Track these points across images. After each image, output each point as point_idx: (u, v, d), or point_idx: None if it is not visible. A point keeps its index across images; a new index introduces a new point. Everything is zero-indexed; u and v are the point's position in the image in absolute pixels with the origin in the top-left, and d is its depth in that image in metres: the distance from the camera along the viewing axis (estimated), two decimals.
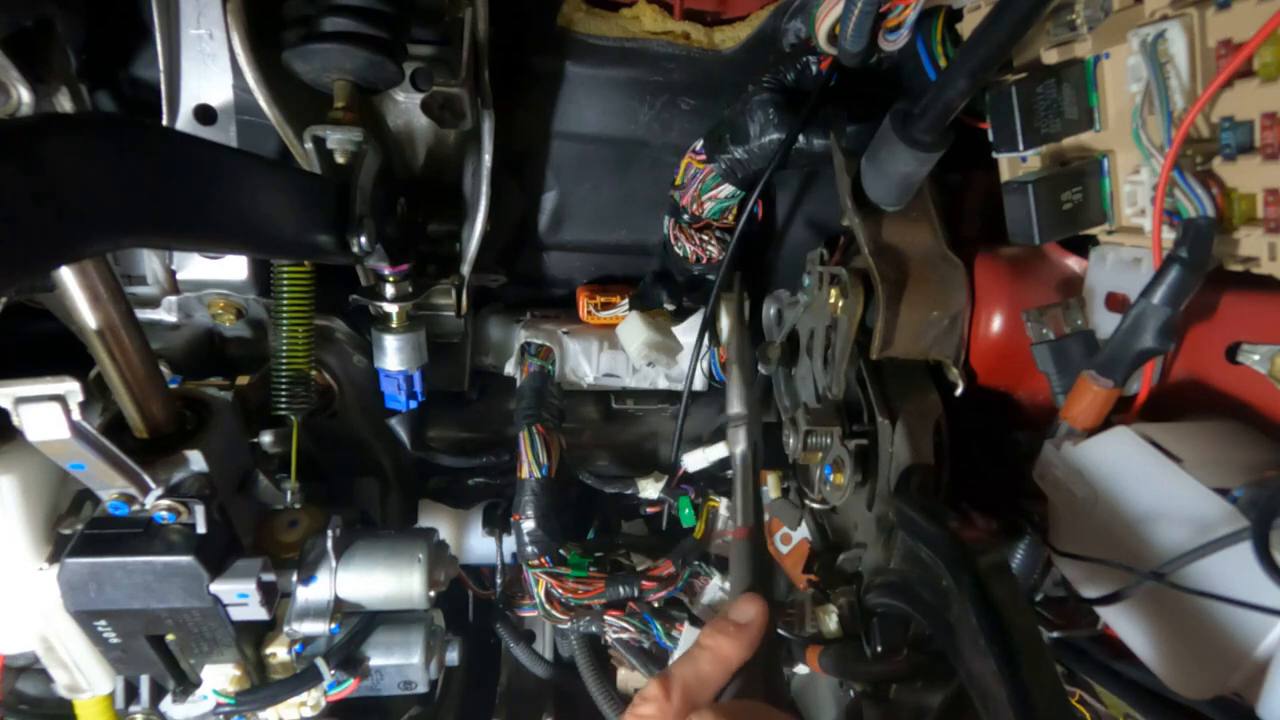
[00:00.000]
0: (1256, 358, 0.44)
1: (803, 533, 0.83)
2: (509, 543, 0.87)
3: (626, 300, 0.88)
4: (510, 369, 0.91)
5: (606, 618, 0.79)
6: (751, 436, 0.55)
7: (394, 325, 0.74)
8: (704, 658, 0.41)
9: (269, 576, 0.59)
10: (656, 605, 0.79)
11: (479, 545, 0.91)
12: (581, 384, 0.91)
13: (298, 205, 0.57)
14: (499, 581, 0.90)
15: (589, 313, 0.89)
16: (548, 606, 0.80)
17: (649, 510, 0.92)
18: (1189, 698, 0.44)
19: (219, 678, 0.63)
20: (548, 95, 0.77)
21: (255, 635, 0.65)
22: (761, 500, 0.53)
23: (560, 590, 0.79)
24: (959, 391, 0.63)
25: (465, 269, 0.77)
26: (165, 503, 0.54)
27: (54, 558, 0.59)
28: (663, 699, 0.38)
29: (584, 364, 0.90)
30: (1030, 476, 0.55)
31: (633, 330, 0.86)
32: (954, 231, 0.64)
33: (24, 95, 0.57)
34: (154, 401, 0.55)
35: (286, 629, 0.64)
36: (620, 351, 0.89)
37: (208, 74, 0.68)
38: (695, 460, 0.86)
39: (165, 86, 0.68)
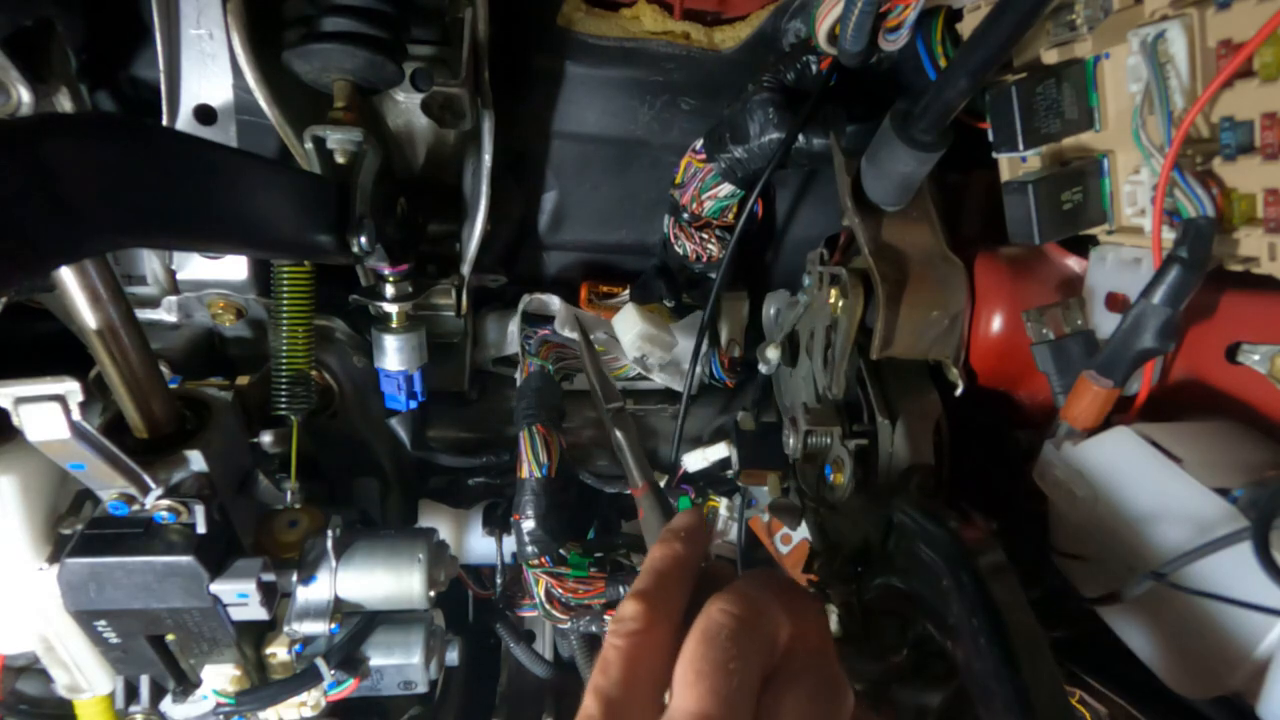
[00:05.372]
0: (1256, 358, 0.44)
1: (803, 533, 0.83)
2: (509, 543, 0.87)
3: (627, 290, 0.88)
4: (510, 348, 0.90)
5: (606, 618, 0.79)
6: (626, 424, 0.62)
7: (394, 325, 0.74)
8: (659, 564, 0.41)
9: (269, 576, 0.59)
10: None
11: (479, 545, 0.90)
12: None
13: (298, 205, 0.58)
14: (499, 581, 0.90)
15: (589, 301, 0.89)
16: (548, 606, 0.80)
17: None
18: (1189, 698, 0.44)
19: (219, 678, 0.63)
20: (548, 95, 0.77)
21: (255, 635, 0.65)
22: (646, 461, 0.59)
23: (560, 590, 0.79)
24: (959, 391, 0.63)
25: (465, 269, 0.77)
26: (165, 503, 0.54)
27: (54, 558, 0.59)
28: (643, 608, 0.37)
29: None
30: (1030, 476, 0.55)
31: (628, 322, 0.86)
32: (954, 231, 0.64)
33: (24, 95, 0.57)
34: (154, 401, 0.55)
35: (286, 629, 0.64)
36: (618, 344, 0.89)
37: (208, 74, 0.68)
38: (695, 460, 0.85)
39: (165, 86, 0.68)
